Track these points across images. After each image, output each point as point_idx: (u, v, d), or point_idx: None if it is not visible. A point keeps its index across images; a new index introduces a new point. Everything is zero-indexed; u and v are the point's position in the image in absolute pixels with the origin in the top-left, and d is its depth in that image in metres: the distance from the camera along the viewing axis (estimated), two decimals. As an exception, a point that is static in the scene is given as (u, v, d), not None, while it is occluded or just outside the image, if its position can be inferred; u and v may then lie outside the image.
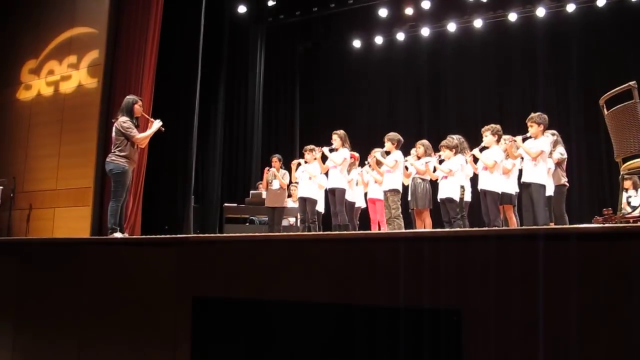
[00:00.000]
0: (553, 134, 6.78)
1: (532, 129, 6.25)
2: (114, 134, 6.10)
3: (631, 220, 3.98)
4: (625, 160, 3.79)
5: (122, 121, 6.07)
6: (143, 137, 6.23)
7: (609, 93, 3.75)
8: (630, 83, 3.51)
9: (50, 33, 9.42)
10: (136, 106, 6.26)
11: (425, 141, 7.54)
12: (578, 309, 2.12)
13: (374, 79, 13.24)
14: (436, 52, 12.54)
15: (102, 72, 8.73)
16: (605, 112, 3.88)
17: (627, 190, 8.08)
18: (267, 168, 8.59)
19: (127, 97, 6.39)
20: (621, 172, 3.97)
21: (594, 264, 2.12)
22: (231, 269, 3.43)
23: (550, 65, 11.42)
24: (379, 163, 7.61)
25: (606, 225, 3.26)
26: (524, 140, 6.34)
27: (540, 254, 2.24)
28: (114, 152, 6.02)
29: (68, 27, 9.23)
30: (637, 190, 8.09)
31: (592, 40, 11.08)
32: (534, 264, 2.24)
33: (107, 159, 6.08)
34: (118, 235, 5.73)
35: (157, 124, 6.30)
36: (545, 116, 6.32)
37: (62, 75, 9.16)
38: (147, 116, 6.72)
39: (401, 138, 7.39)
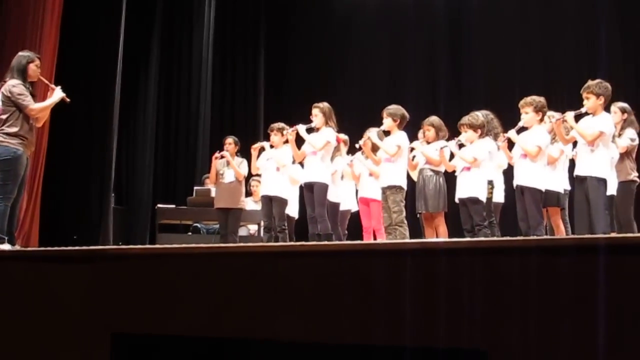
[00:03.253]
0: (623, 111, 6.83)
1: (589, 101, 6.29)
2: (0, 103, 6.03)
3: None
4: None
5: (12, 85, 6.01)
6: (40, 107, 6.18)
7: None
8: None
9: None
10: (31, 66, 6.19)
11: (435, 119, 7.50)
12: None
13: (371, 35, 13.14)
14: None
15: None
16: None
17: None
18: (216, 154, 8.52)
19: (19, 53, 6.33)
20: None
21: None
22: (167, 295, 3.40)
23: (615, 16, 11.41)
24: (374, 148, 7.59)
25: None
26: (577, 118, 6.38)
27: (600, 272, 2.25)
28: (1, 129, 5.95)
29: None
30: None
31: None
32: (591, 286, 2.25)
33: (-10, 140, 6.01)
34: (6, 247, 5.67)
35: (58, 93, 6.28)
36: (608, 85, 6.35)
37: None
38: (46, 81, 6.71)
39: (406, 113, 7.38)
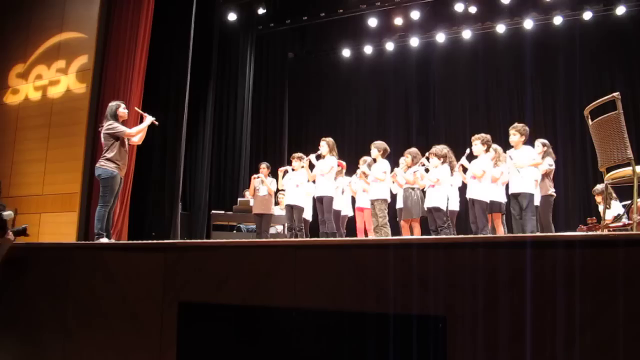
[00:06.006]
0: (544, 145, 6.84)
1: (515, 137, 6.31)
2: (102, 140, 6.07)
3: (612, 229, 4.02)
4: (609, 170, 3.84)
5: (108, 124, 6.04)
6: (135, 130, 6.19)
7: (593, 104, 3.80)
8: (614, 94, 3.56)
9: (39, 37, 9.36)
10: (120, 110, 6.21)
11: (413, 149, 7.53)
12: (564, 313, 2.14)
13: (363, 88, 13.28)
14: (425, 62, 12.64)
15: (91, 77, 8.68)
16: (590, 122, 3.92)
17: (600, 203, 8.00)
18: (254, 175, 8.58)
19: (110, 103, 6.35)
20: (605, 182, 4.02)
21: (579, 270, 2.14)
22: (218, 275, 3.41)
23: (537, 76, 11.54)
24: (366, 173, 7.64)
25: (589, 233, 3.29)
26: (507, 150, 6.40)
27: (527, 260, 2.26)
28: (103, 156, 5.99)
29: (57, 31, 9.19)
30: (609, 202, 7.99)
31: (578, 52, 11.22)
32: (521, 271, 2.25)
33: (97, 165, 6.05)
34: (104, 240, 5.68)
35: (149, 119, 6.30)
36: (527, 128, 6.38)
37: (51, 80, 9.10)
38: (140, 111, 6.71)
39: (387, 147, 7.40)
